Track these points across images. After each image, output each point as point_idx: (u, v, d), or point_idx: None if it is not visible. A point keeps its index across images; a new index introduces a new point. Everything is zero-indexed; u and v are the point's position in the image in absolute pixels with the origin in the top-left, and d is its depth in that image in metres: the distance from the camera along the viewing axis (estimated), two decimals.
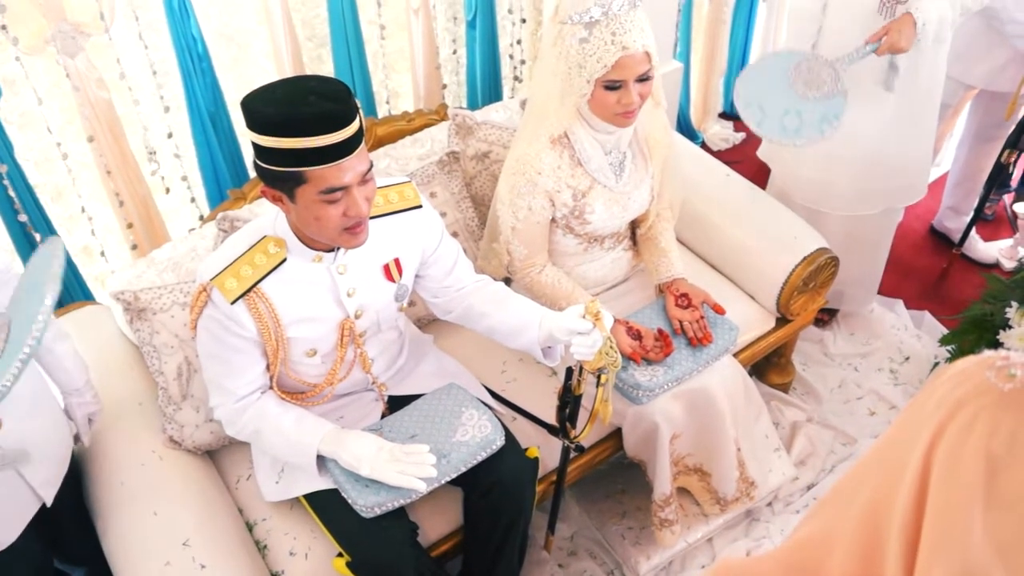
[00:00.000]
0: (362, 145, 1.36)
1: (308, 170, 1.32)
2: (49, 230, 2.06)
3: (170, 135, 2.19)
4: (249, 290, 1.47)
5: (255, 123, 1.31)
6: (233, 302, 1.46)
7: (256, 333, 1.51)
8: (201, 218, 2.29)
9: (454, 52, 2.60)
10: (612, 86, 1.63)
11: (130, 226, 2.20)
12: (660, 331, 1.84)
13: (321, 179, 1.33)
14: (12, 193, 1.95)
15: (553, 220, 1.84)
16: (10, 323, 1.24)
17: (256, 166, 1.37)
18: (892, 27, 1.90)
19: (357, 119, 1.33)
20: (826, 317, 2.66)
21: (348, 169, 1.33)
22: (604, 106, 1.66)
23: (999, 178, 2.67)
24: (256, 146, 1.33)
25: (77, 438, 1.68)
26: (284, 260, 1.49)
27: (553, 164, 1.76)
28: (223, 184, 2.27)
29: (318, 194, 1.34)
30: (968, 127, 2.78)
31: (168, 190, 2.26)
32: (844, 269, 2.24)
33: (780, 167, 2.43)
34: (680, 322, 1.86)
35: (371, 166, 1.39)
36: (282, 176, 1.34)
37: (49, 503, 1.55)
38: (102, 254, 2.22)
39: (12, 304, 1.30)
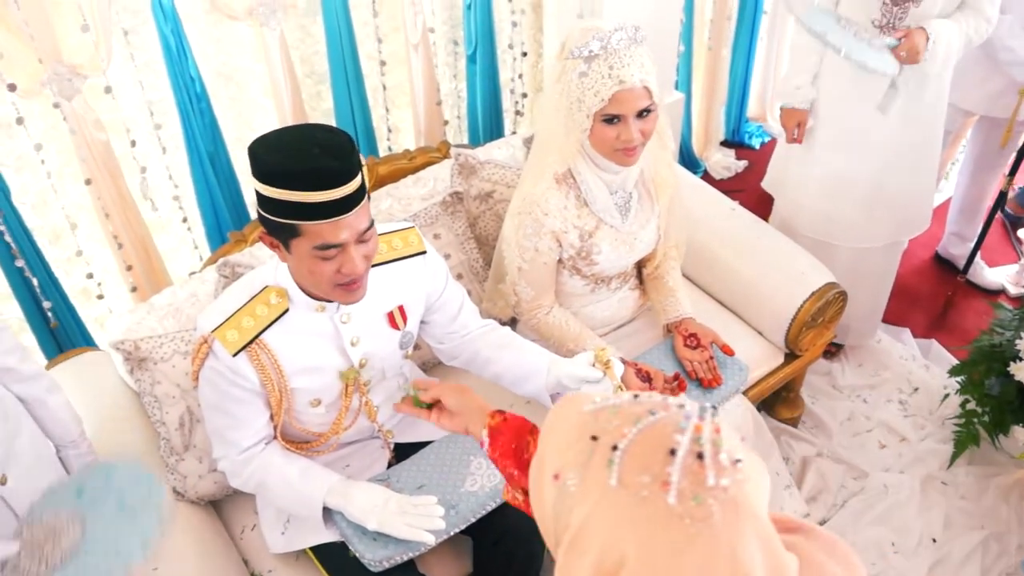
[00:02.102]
0: (363, 203, 1.32)
1: (304, 224, 1.29)
2: (47, 273, 2.03)
3: (169, 176, 2.16)
4: (251, 342, 1.44)
5: (257, 170, 1.29)
6: (235, 354, 1.43)
7: (259, 385, 1.48)
8: (201, 259, 2.26)
9: (455, 87, 2.59)
10: (610, 120, 1.61)
11: (129, 268, 2.17)
12: (677, 375, 1.81)
13: (316, 234, 1.30)
14: (8, 238, 1.92)
15: (560, 261, 1.82)
16: (84, 524, 1.20)
17: (257, 211, 1.35)
18: (912, 31, 1.92)
19: (359, 177, 1.30)
20: (833, 349, 2.63)
21: (345, 227, 1.30)
22: (604, 141, 1.64)
23: (1001, 205, 2.66)
24: (257, 192, 1.31)
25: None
26: (286, 311, 1.46)
27: (559, 205, 1.73)
28: (223, 224, 2.24)
29: (312, 249, 1.32)
30: (970, 153, 2.78)
31: (167, 232, 2.23)
32: (849, 303, 2.22)
33: (784, 197, 2.41)
34: (690, 363, 1.84)
35: (371, 224, 1.36)
36: (279, 226, 1.31)
37: None
38: (100, 297, 2.19)
39: (87, 503, 1.26)
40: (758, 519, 0.67)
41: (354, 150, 1.30)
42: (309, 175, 1.25)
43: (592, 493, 0.68)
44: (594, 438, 0.70)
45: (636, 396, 0.73)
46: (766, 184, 2.49)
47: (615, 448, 0.68)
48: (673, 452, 0.66)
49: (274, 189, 1.27)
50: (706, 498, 0.65)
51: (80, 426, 1.61)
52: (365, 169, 1.34)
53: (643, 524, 0.66)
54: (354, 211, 1.30)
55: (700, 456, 0.66)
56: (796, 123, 2.20)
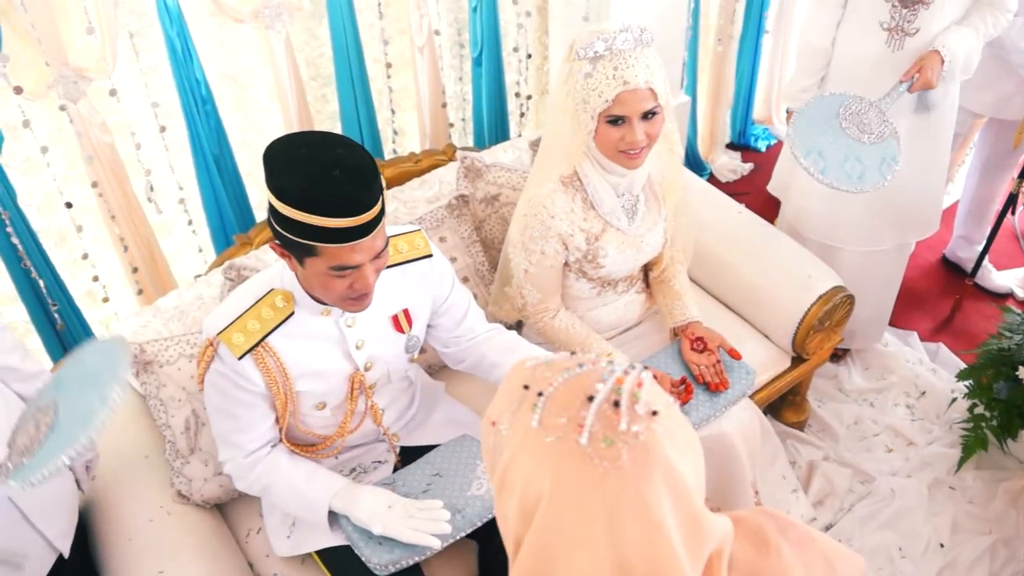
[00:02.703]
0: (381, 224, 1.32)
1: (321, 246, 1.28)
2: (52, 275, 2.03)
3: (175, 179, 2.16)
4: (256, 345, 1.44)
5: (274, 186, 1.27)
6: (240, 357, 1.43)
7: (264, 387, 1.48)
8: (207, 262, 2.26)
9: (460, 89, 2.59)
10: (614, 121, 1.60)
11: (135, 271, 2.17)
12: (684, 379, 1.80)
13: (333, 256, 1.30)
14: (15, 240, 1.92)
15: (566, 264, 1.81)
16: (56, 406, 1.20)
17: (269, 222, 1.34)
18: (924, 65, 1.90)
19: (380, 201, 1.29)
20: (840, 352, 2.62)
21: (363, 249, 1.30)
22: (608, 143, 1.63)
23: (1010, 207, 2.64)
24: (271, 206, 1.30)
25: (79, 484, 1.65)
26: (292, 314, 1.46)
27: (566, 207, 1.73)
28: (229, 227, 2.24)
29: (328, 268, 1.32)
30: (978, 156, 2.76)
31: (172, 234, 2.23)
32: (856, 306, 2.21)
33: (790, 201, 2.40)
34: (697, 366, 1.83)
35: (387, 244, 1.36)
36: (294, 243, 1.30)
37: (67, 554, 1.51)
38: (105, 300, 2.19)
39: (60, 388, 1.27)
40: (671, 470, 0.71)
41: (377, 174, 1.29)
42: (332, 202, 1.23)
43: (517, 435, 0.74)
44: (526, 387, 0.75)
45: (572, 354, 0.78)
46: (772, 188, 2.48)
47: (540, 394, 0.73)
48: (591, 399, 0.71)
49: (293, 210, 1.25)
50: (616, 441, 0.70)
51: None
52: (385, 192, 1.32)
53: (557, 462, 0.71)
54: (372, 234, 1.30)
55: (616, 404, 0.71)
56: None
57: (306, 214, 1.24)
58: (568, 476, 0.70)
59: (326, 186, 1.24)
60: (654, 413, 0.71)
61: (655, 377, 1.77)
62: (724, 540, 0.78)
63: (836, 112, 1.92)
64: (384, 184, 1.32)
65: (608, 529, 0.70)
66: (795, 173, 2.35)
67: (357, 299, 1.39)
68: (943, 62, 1.91)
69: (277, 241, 1.35)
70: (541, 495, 0.71)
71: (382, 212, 1.31)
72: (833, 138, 1.89)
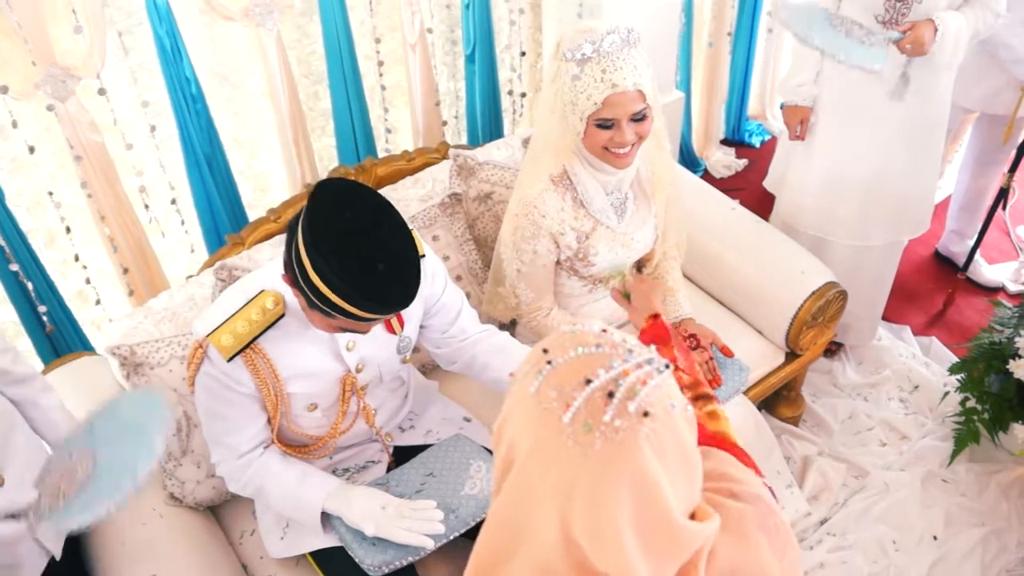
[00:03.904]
0: None
1: (344, 319, 1.30)
2: (42, 276, 2.02)
3: (166, 178, 2.15)
4: (246, 347, 1.43)
5: (311, 255, 1.23)
6: (230, 359, 1.42)
7: (255, 389, 1.47)
8: (199, 262, 2.24)
9: (453, 87, 2.58)
10: (604, 124, 1.60)
11: (126, 271, 2.16)
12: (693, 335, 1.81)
13: (347, 323, 1.33)
14: (3, 241, 1.91)
15: (557, 263, 1.81)
16: (95, 455, 1.23)
17: (288, 263, 1.30)
18: (918, 23, 1.90)
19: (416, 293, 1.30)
20: (834, 347, 2.63)
21: (380, 322, 1.34)
22: (597, 144, 1.63)
23: (1001, 202, 2.65)
24: (300, 259, 1.26)
25: None
26: (282, 316, 1.45)
27: (556, 206, 1.72)
28: (221, 227, 2.23)
29: (337, 326, 1.35)
30: (969, 151, 2.77)
31: (163, 234, 2.22)
32: (849, 302, 2.21)
33: (784, 195, 2.40)
34: None
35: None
36: (311, 300, 1.29)
37: (58, 556, 1.50)
38: (97, 302, 2.18)
39: (94, 436, 1.29)
40: (643, 474, 0.72)
41: (418, 273, 1.28)
42: (371, 305, 1.25)
43: (517, 395, 0.77)
44: (544, 351, 0.77)
45: (604, 331, 0.78)
46: (768, 183, 2.48)
47: (549, 363, 0.75)
48: (589, 382, 0.72)
49: (327, 289, 1.24)
50: (595, 430, 0.71)
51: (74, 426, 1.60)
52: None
53: (539, 430, 0.73)
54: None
55: (611, 395, 0.72)
56: (799, 120, 2.19)
57: (340, 300, 1.25)
58: (541, 448, 0.73)
59: (370, 282, 1.23)
60: (646, 414, 0.71)
61: (696, 344, 1.77)
62: (706, 541, 0.79)
63: (828, 19, 1.96)
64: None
65: (561, 503, 0.73)
66: (790, 167, 2.35)
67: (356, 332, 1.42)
68: (935, 32, 1.92)
69: (293, 284, 1.32)
70: (520, 453, 0.75)
71: None
72: (823, 26, 1.94)
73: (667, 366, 0.75)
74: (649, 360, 0.75)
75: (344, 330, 1.38)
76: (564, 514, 0.72)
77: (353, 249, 1.23)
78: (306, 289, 1.28)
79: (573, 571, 0.74)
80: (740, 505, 0.87)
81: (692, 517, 0.78)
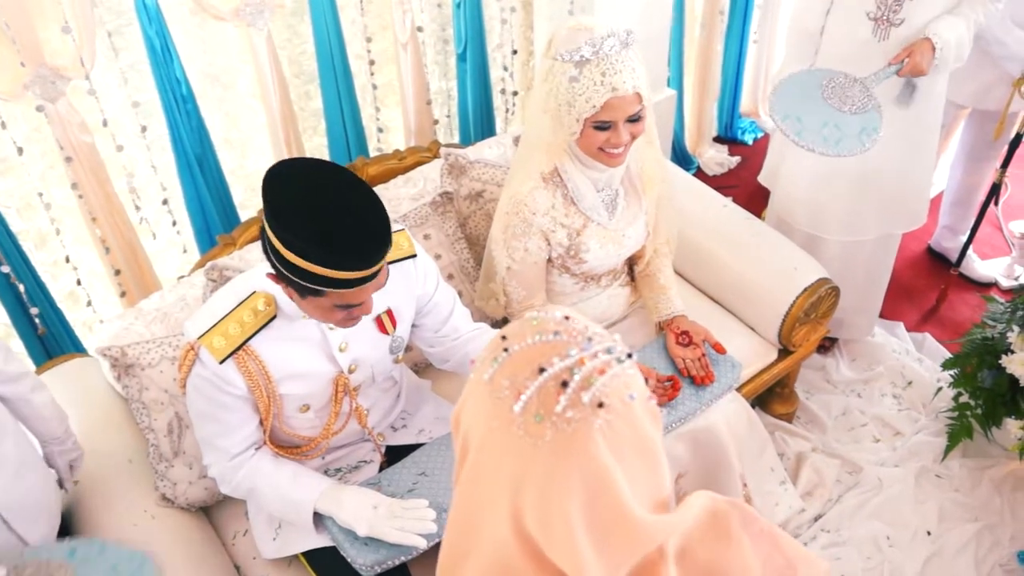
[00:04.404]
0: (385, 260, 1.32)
1: (328, 290, 1.29)
2: (33, 278, 2.01)
3: (157, 179, 2.14)
4: (238, 349, 1.43)
5: (280, 233, 1.23)
6: (222, 361, 1.42)
7: (247, 391, 1.47)
8: (191, 263, 2.24)
9: (445, 86, 2.57)
10: (601, 126, 1.60)
11: (118, 272, 2.15)
12: (672, 377, 1.80)
13: (339, 297, 1.31)
14: None
15: (549, 260, 1.81)
16: (75, 571, 1.27)
17: (266, 252, 1.30)
18: (914, 50, 1.89)
19: (390, 244, 1.29)
20: (827, 343, 2.63)
21: (368, 290, 1.32)
22: (592, 145, 1.63)
23: (993, 197, 2.66)
24: (272, 243, 1.26)
25: (61, 483, 1.63)
26: (273, 317, 1.45)
27: (547, 204, 1.72)
28: (212, 227, 2.22)
29: (333, 306, 1.33)
30: (962, 146, 2.77)
31: (155, 235, 2.21)
32: (843, 297, 2.21)
33: (778, 190, 2.40)
34: (682, 360, 1.83)
35: (388, 273, 1.36)
36: (299, 285, 1.29)
37: None
38: (88, 304, 2.17)
39: (75, 558, 1.32)
40: (596, 466, 0.70)
41: (388, 226, 1.28)
42: (345, 257, 1.24)
43: (473, 382, 0.75)
44: (503, 338, 0.74)
45: (567, 318, 0.76)
46: (762, 178, 2.48)
47: (506, 350, 0.73)
48: (542, 370, 0.70)
49: (301, 260, 1.24)
50: (546, 420, 0.69)
51: (65, 423, 1.60)
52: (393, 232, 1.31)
53: (491, 419, 0.72)
54: (379, 276, 1.31)
55: (564, 384, 0.69)
56: None
57: (318, 267, 1.24)
58: (492, 438, 0.72)
59: (341, 241, 1.23)
60: (600, 405, 0.69)
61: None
62: (672, 535, 0.78)
63: (820, 84, 1.92)
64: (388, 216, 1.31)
65: (512, 496, 0.71)
66: (783, 162, 2.34)
67: (353, 321, 1.41)
68: (934, 50, 1.91)
69: (277, 277, 1.33)
70: (473, 443, 0.74)
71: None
72: (813, 106, 1.89)
73: (628, 355, 0.73)
74: (608, 349, 0.72)
75: (343, 309, 1.33)
76: (516, 506, 0.71)
77: (315, 212, 1.24)
78: (286, 272, 1.28)
79: (530, 565, 0.73)
80: (721, 503, 0.85)
81: (660, 511, 0.76)
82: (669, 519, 0.77)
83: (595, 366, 0.70)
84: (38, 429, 1.56)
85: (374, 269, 1.28)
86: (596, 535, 0.71)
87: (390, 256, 1.54)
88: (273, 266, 1.31)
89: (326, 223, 1.23)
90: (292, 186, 1.25)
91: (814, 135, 1.84)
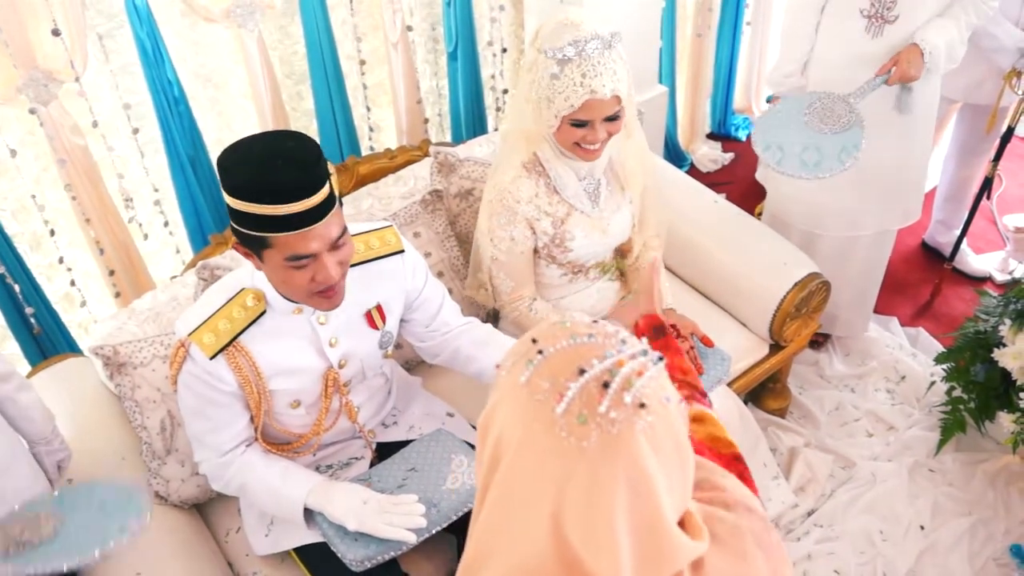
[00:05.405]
0: (333, 211, 1.32)
1: (273, 236, 1.29)
2: (28, 280, 2.03)
3: (149, 180, 2.16)
4: (228, 344, 1.44)
5: (225, 182, 1.29)
6: (212, 357, 1.43)
7: (237, 387, 1.48)
8: (184, 263, 2.25)
9: (436, 84, 2.58)
10: (579, 124, 1.61)
11: (112, 273, 2.17)
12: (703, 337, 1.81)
13: (286, 246, 1.30)
14: None
15: (536, 251, 1.82)
16: (63, 518, 1.28)
17: (230, 223, 1.34)
18: (901, 58, 1.91)
19: (326, 187, 1.29)
20: (820, 339, 2.63)
21: (315, 237, 1.30)
22: (568, 140, 1.66)
23: (986, 191, 2.66)
24: (227, 206, 1.31)
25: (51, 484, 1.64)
26: (263, 313, 1.46)
27: (530, 192, 1.74)
28: (206, 227, 2.24)
29: (284, 260, 1.32)
30: (954, 141, 2.77)
31: (147, 236, 2.22)
32: (838, 293, 2.22)
33: (773, 189, 2.41)
34: None
35: (344, 231, 1.35)
36: (250, 238, 1.31)
37: None
38: (83, 304, 2.18)
39: (64, 504, 1.33)
40: (640, 469, 0.69)
41: (319, 160, 1.29)
42: (273, 188, 1.25)
43: (506, 386, 0.74)
44: (534, 340, 0.74)
45: (595, 322, 0.76)
46: (760, 176, 2.49)
47: (540, 352, 0.72)
48: (583, 372, 0.70)
49: (241, 202, 1.27)
50: (590, 422, 0.68)
51: (52, 423, 1.60)
52: (334, 177, 1.32)
53: (531, 422, 0.70)
54: (323, 220, 1.29)
55: (605, 385, 0.69)
56: None
57: (254, 204, 1.26)
58: (533, 441, 0.70)
59: (269, 174, 1.25)
60: (642, 406, 0.69)
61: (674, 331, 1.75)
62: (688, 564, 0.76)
63: (802, 110, 1.93)
64: (332, 171, 1.33)
65: (555, 500, 0.70)
66: None
67: (324, 294, 1.38)
68: (923, 55, 1.92)
69: (236, 240, 1.36)
70: (510, 446, 0.72)
71: (331, 199, 1.30)
72: (794, 132, 1.91)
73: (660, 359, 0.73)
74: (643, 352, 0.72)
75: (296, 265, 1.31)
76: (557, 509, 0.69)
77: (254, 157, 1.28)
78: (235, 226, 1.30)
79: (559, 570, 0.71)
80: (736, 518, 0.84)
81: (681, 525, 0.75)
82: (697, 546, 0.75)
83: (633, 368, 0.70)
84: (26, 429, 1.56)
85: (308, 204, 1.26)
86: (636, 543, 0.70)
87: (379, 251, 1.56)
88: (233, 232, 1.34)
89: (259, 162, 1.27)
90: (238, 142, 1.32)
91: (794, 161, 1.86)
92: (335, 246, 1.34)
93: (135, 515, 1.25)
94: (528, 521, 0.71)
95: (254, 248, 1.33)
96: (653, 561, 0.71)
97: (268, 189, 1.24)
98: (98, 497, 1.34)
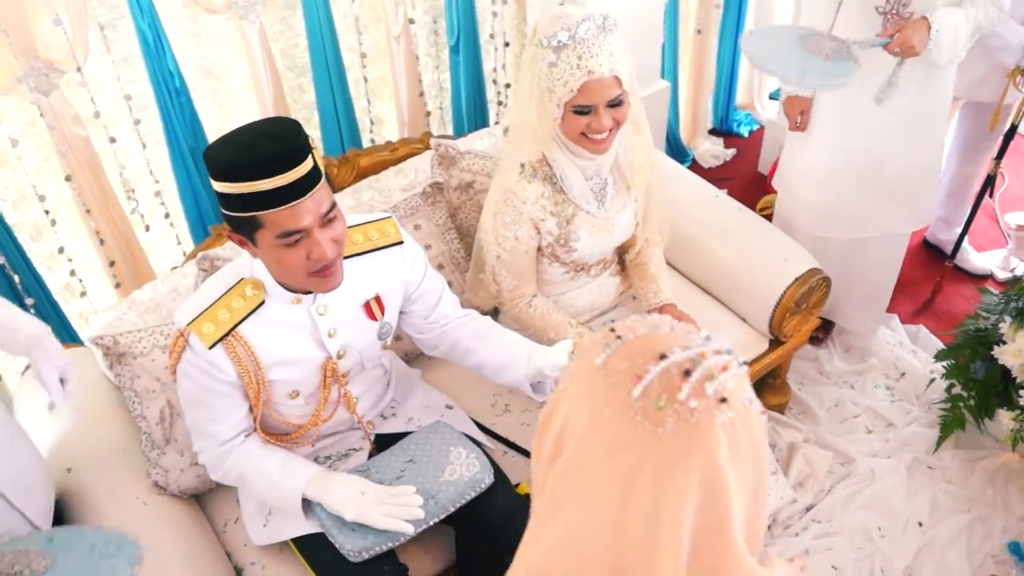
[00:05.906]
0: (320, 184, 1.32)
1: (262, 214, 1.29)
2: (29, 270, 2.03)
3: (150, 171, 2.16)
4: (227, 334, 1.44)
5: (211, 170, 1.30)
6: (211, 347, 1.43)
7: (236, 377, 1.48)
8: (185, 254, 2.26)
9: (437, 78, 2.58)
10: (581, 111, 1.61)
11: (112, 264, 2.17)
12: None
13: (275, 223, 1.30)
14: None
15: (539, 249, 1.82)
16: (54, 560, 1.29)
17: (221, 212, 1.35)
18: (907, 24, 1.88)
19: (308, 160, 1.29)
20: (821, 335, 2.63)
21: (304, 212, 1.30)
22: (574, 130, 1.64)
23: (988, 189, 2.65)
24: (216, 191, 1.32)
25: (51, 406, 1.54)
26: (262, 303, 1.46)
27: (537, 192, 1.73)
28: (206, 218, 2.24)
29: (275, 238, 1.32)
30: (956, 138, 2.76)
31: (148, 227, 2.23)
32: (850, 295, 2.19)
33: (784, 192, 2.39)
34: None
35: (333, 205, 1.35)
36: (240, 221, 1.32)
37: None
38: (83, 294, 2.19)
39: (54, 546, 1.33)
40: (714, 465, 0.64)
41: (299, 134, 1.30)
42: (255, 164, 1.25)
43: (580, 367, 0.70)
44: (612, 330, 0.70)
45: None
46: (775, 182, 2.46)
47: (619, 338, 0.68)
48: (663, 357, 0.65)
49: (227, 183, 1.28)
50: (668, 407, 0.63)
51: (42, 327, 1.53)
52: (317, 152, 1.33)
53: (602, 405, 0.66)
54: (310, 194, 1.30)
55: (687, 373, 0.65)
56: (799, 111, 2.17)
57: (238, 183, 1.26)
58: (607, 423, 0.65)
59: (249, 151, 1.27)
60: (723, 400, 0.64)
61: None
62: None
63: (797, 37, 1.90)
64: (315, 146, 1.33)
65: (622, 490, 0.64)
66: (791, 165, 2.32)
67: (321, 273, 1.38)
68: (930, 29, 1.89)
69: (231, 229, 1.37)
70: (571, 438, 0.68)
71: (315, 172, 1.30)
72: (786, 46, 1.88)
73: (744, 363, 0.68)
74: (728, 351, 0.68)
75: (288, 243, 1.32)
76: (622, 501, 0.64)
77: (236, 139, 1.30)
78: (227, 212, 1.32)
79: (605, 563, 0.66)
80: None
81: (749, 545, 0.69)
82: (764, 573, 0.69)
83: (717, 363, 0.65)
84: (17, 337, 1.50)
85: (291, 177, 1.26)
86: (695, 548, 0.65)
87: (377, 243, 1.56)
88: (224, 219, 1.35)
89: (240, 142, 1.29)
90: (222, 136, 1.34)
91: (782, 64, 1.84)
92: (326, 221, 1.34)
93: (126, 563, 1.28)
94: (587, 507, 0.66)
95: (247, 233, 1.34)
96: (706, 573, 0.66)
97: (251, 164, 1.26)
98: (88, 541, 1.35)
